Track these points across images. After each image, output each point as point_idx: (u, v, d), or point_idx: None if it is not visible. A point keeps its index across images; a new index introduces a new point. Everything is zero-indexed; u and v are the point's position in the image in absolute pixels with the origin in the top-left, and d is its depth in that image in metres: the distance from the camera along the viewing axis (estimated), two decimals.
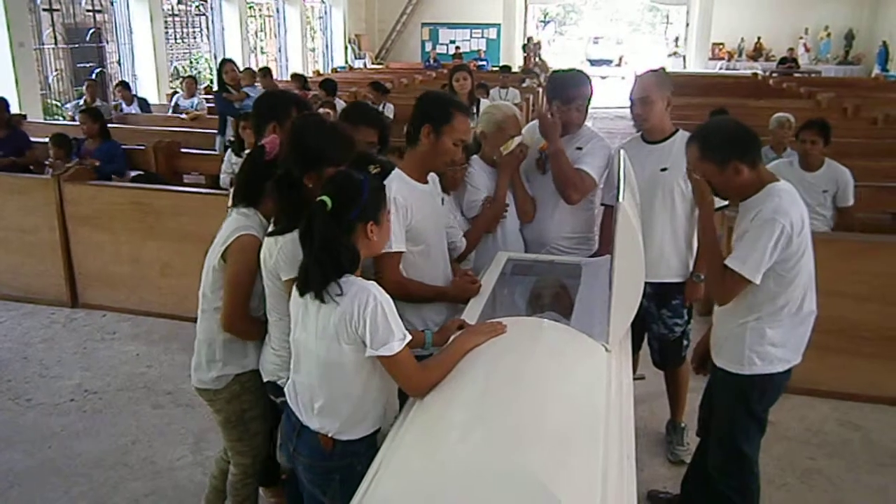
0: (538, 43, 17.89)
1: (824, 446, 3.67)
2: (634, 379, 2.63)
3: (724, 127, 2.51)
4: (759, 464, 2.68)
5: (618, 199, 2.21)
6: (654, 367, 3.58)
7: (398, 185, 2.51)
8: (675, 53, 25.02)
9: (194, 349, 2.57)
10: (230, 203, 2.51)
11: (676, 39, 25.58)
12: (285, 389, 2.22)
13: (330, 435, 2.04)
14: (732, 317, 2.55)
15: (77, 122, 6.84)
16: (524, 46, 17.94)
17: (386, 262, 2.48)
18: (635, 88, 3.20)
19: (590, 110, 3.37)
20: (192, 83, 9.93)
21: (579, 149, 3.24)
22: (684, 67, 23.22)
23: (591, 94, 3.28)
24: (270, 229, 2.27)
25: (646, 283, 3.19)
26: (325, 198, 1.93)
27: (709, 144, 2.46)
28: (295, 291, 2.03)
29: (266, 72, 11.16)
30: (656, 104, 3.16)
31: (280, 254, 2.19)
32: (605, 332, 2.22)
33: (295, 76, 10.82)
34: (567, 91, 3.22)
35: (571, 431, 1.78)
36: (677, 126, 3.26)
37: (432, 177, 2.74)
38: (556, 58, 27.30)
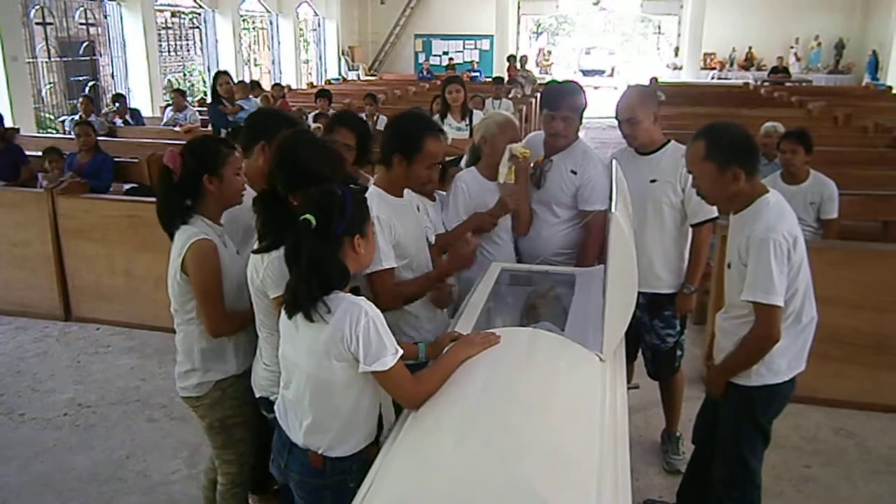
0: (524, 57, 18.08)
1: (819, 454, 3.67)
2: (629, 388, 2.63)
3: (732, 131, 2.49)
4: (761, 475, 2.68)
5: (610, 209, 2.22)
6: (649, 377, 3.58)
7: (378, 203, 2.53)
8: (674, 65, 25.08)
9: (176, 359, 2.60)
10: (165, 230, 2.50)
11: (677, 50, 25.63)
12: (275, 406, 2.21)
13: (320, 452, 2.03)
14: (737, 329, 2.54)
15: (71, 136, 6.84)
16: (510, 57, 18.04)
17: (382, 280, 2.50)
18: (620, 109, 3.19)
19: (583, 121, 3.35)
20: (179, 97, 9.91)
21: (574, 172, 3.21)
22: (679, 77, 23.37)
23: (584, 106, 3.25)
24: (256, 247, 2.27)
25: (639, 293, 3.21)
26: (308, 216, 1.91)
27: (716, 144, 2.44)
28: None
29: (255, 84, 11.15)
30: (642, 123, 3.16)
31: (267, 272, 2.19)
32: (600, 341, 2.23)
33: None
34: (554, 100, 3.20)
35: (566, 441, 1.79)
36: (669, 137, 3.27)
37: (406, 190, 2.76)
38: (549, 68, 27.51)
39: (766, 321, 2.40)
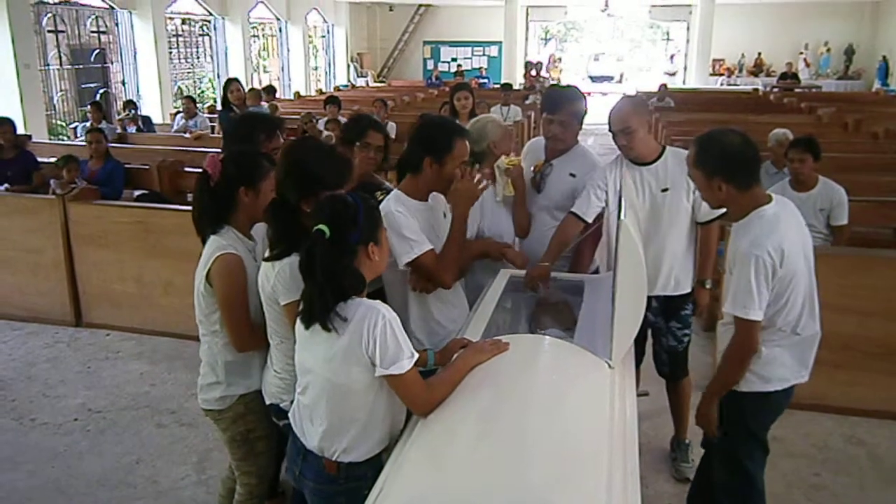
0: (539, 63, 18.19)
1: (830, 462, 3.65)
2: (638, 395, 2.63)
3: (725, 142, 2.44)
4: (763, 481, 2.67)
5: (619, 216, 2.22)
6: (657, 380, 3.57)
7: (395, 201, 2.60)
8: (670, 73, 25.16)
9: (200, 370, 2.59)
10: (199, 234, 2.50)
11: (672, 57, 25.73)
12: (290, 413, 2.22)
13: (334, 458, 2.03)
14: (725, 335, 2.55)
15: (83, 143, 6.89)
16: (527, 64, 18.16)
17: (430, 264, 2.57)
18: (613, 120, 3.15)
19: (591, 127, 3.38)
20: (189, 103, 9.95)
21: (573, 175, 3.23)
22: (684, 83, 23.34)
23: (584, 112, 3.27)
24: (267, 254, 2.28)
25: (653, 298, 3.23)
26: (322, 227, 1.91)
27: (705, 153, 2.45)
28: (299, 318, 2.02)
29: (270, 89, 11.20)
30: (637, 132, 3.12)
31: (278, 278, 2.20)
32: (608, 348, 2.23)
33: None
34: (553, 104, 3.24)
35: (575, 448, 1.78)
36: (666, 144, 3.28)
37: (434, 194, 2.77)
38: (557, 74, 27.54)
39: (743, 334, 2.42)
